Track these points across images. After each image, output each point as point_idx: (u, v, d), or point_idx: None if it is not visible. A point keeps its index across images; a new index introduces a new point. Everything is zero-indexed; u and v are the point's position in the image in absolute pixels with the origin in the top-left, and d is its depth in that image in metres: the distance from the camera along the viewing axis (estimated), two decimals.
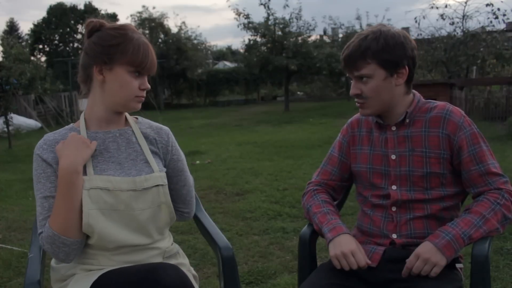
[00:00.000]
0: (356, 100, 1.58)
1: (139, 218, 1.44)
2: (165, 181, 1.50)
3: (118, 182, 1.43)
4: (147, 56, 1.44)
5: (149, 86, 1.49)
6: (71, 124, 1.56)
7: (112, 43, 1.42)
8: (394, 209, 1.58)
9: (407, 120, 1.57)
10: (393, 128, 1.59)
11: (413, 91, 1.63)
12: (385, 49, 1.49)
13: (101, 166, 1.46)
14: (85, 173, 1.43)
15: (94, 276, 1.39)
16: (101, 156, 1.48)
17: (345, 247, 1.50)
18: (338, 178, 1.74)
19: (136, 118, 1.61)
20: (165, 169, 1.55)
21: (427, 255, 1.42)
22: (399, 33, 1.52)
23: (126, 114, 1.57)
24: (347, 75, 1.60)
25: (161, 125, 1.63)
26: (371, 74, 1.51)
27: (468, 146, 1.51)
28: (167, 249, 1.55)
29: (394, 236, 1.57)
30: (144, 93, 1.48)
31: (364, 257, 1.50)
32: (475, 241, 1.46)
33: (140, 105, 1.50)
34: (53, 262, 1.54)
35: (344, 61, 1.55)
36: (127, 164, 1.48)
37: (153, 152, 1.54)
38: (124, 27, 1.46)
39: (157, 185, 1.48)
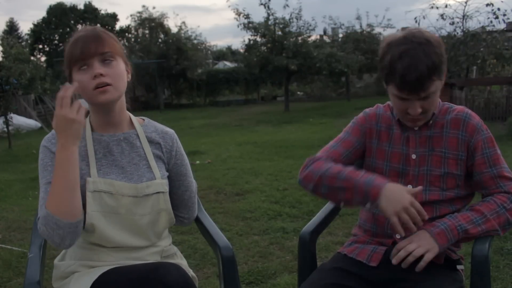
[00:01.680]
0: (416, 116, 1.49)
1: (139, 223, 1.46)
2: (166, 188, 1.51)
3: (120, 187, 1.44)
4: (74, 46, 1.40)
5: (99, 70, 1.37)
6: None
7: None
8: None
9: (431, 122, 1.57)
10: (416, 128, 1.58)
11: None
12: (443, 61, 1.44)
13: (104, 169, 1.47)
14: (89, 174, 1.43)
15: (95, 274, 1.39)
16: (104, 159, 1.48)
17: (404, 200, 1.38)
18: (347, 162, 1.61)
19: (143, 119, 1.60)
20: (167, 174, 1.55)
21: (420, 241, 1.43)
22: (437, 38, 1.47)
23: (131, 115, 1.57)
24: (405, 97, 1.45)
25: (166, 129, 1.61)
26: (436, 90, 1.46)
27: (483, 149, 1.53)
28: (165, 248, 1.56)
29: (398, 236, 1.56)
30: (99, 80, 1.38)
31: (423, 209, 1.40)
32: (471, 237, 1.46)
33: (106, 96, 1.39)
34: (56, 259, 1.54)
35: (411, 86, 1.40)
36: (130, 169, 1.49)
37: (156, 156, 1.54)
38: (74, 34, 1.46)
39: (158, 192, 1.48)
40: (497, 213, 1.47)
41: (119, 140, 1.51)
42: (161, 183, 1.50)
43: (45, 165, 1.44)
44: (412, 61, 1.39)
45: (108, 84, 1.39)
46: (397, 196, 1.39)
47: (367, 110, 1.70)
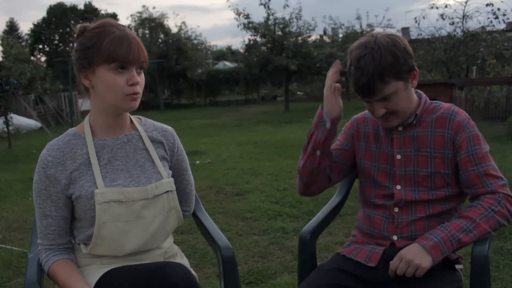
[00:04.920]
0: (381, 117, 1.54)
1: (151, 225, 1.45)
2: (174, 187, 1.51)
3: (130, 193, 1.41)
4: (122, 46, 1.34)
5: (138, 79, 1.37)
6: (73, 128, 1.49)
7: (88, 45, 1.36)
8: (396, 210, 1.57)
9: (414, 121, 1.57)
10: (400, 129, 1.59)
11: (419, 91, 1.63)
12: (397, 61, 1.45)
13: (110, 176, 1.43)
14: (95, 185, 1.40)
15: (98, 274, 1.39)
16: (109, 165, 1.45)
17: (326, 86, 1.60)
18: (334, 160, 1.69)
19: (139, 118, 1.58)
20: (171, 172, 1.55)
21: (410, 257, 1.41)
22: (395, 38, 1.49)
23: (130, 116, 1.54)
24: (364, 100, 1.53)
25: (165, 126, 1.61)
26: (396, 91, 1.48)
27: (468, 146, 1.51)
28: (168, 249, 1.57)
29: (395, 237, 1.57)
30: (136, 89, 1.37)
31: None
32: (466, 245, 1.45)
33: (136, 104, 1.39)
34: None
35: (362, 89, 1.48)
36: (136, 172, 1.46)
37: (160, 156, 1.53)
38: (102, 25, 1.38)
39: (167, 191, 1.48)
40: (486, 217, 1.45)
41: (123, 143, 1.47)
42: (168, 181, 1.49)
43: (38, 191, 1.42)
44: (360, 66, 1.46)
45: (138, 93, 1.39)
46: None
47: (356, 115, 1.75)
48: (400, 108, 1.51)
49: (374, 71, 1.44)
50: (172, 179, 1.51)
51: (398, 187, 1.57)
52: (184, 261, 1.62)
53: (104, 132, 1.46)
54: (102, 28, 1.37)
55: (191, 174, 1.68)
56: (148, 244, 1.47)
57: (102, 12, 30.31)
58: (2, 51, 12.26)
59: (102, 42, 1.34)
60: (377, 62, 1.44)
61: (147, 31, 23.24)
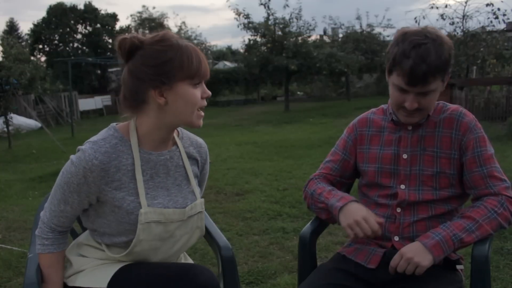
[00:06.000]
0: (412, 111, 1.50)
1: (177, 243, 1.47)
2: (204, 207, 1.52)
3: (170, 214, 1.42)
4: (200, 62, 1.34)
5: (209, 92, 1.39)
6: (117, 128, 1.41)
7: (164, 59, 1.30)
8: (398, 210, 1.57)
9: (424, 121, 1.57)
10: (409, 128, 1.58)
11: None
12: (449, 61, 1.45)
13: (152, 192, 1.41)
14: (137, 201, 1.37)
15: (114, 268, 1.40)
16: (151, 181, 1.42)
17: (356, 214, 1.47)
18: (337, 175, 1.73)
19: (177, 130, 1.52)
20: (200, 190, 1.56)
21: (410, 255, 1.41)
22: (450, 40, 1.47)
23: None
24: (406, 88, 1.45)
25: (200, 141, 1.59)
26: (436, 89, 1.47)
27: (474, 148, 1.52)
28: None
29: (396, 238, 1.57)
30: (205, 103, 1.39)
31: (375, 222, 1.46)
32: (467, 245, 1.46)
33: (201, 121, 1.40)
34: (72, 254, 1.52)
35: (415, 76, 1.41)
36: (174, 190, 1.46)
37: (194, 173, 1.53)
38: (166, 38, 1.33)
39: (198, 212, 1.49)
40: (488, 219, 1.46)
41: (166, 159, 1.45)
42: (200, 202, 1.50)
43: (69, 182, 1.35)
44: (421, 53, 1.40)
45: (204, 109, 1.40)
46: (352, 211, 1.49)
47: (358, 117, 1.74)
48: (429, 106, 1.51)
49: (435, 63, 1.40)
50: (203, 200, 1.52)
51: (402, 186, 1.57)
52: (189, 261, 1.64)
53: (150, 145, 1.41)
54: (169, 41, 1.32)
55: (205, 184, 1.68)
56: (169, 259, 1.49)
57: (102, 12, 30.25)
58: (2, 51, 12.26)
59: (182, 58, 1.31)
60: (439, 55, 1.41)
61: (147, 31, 23.24)
